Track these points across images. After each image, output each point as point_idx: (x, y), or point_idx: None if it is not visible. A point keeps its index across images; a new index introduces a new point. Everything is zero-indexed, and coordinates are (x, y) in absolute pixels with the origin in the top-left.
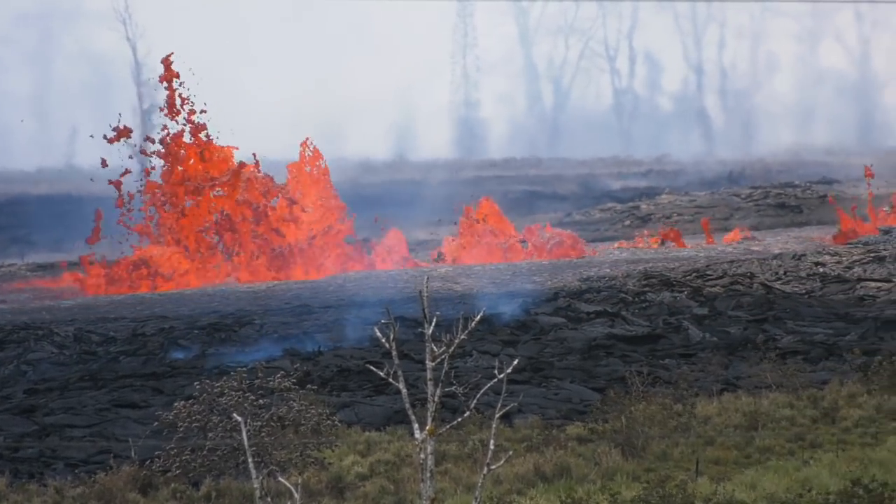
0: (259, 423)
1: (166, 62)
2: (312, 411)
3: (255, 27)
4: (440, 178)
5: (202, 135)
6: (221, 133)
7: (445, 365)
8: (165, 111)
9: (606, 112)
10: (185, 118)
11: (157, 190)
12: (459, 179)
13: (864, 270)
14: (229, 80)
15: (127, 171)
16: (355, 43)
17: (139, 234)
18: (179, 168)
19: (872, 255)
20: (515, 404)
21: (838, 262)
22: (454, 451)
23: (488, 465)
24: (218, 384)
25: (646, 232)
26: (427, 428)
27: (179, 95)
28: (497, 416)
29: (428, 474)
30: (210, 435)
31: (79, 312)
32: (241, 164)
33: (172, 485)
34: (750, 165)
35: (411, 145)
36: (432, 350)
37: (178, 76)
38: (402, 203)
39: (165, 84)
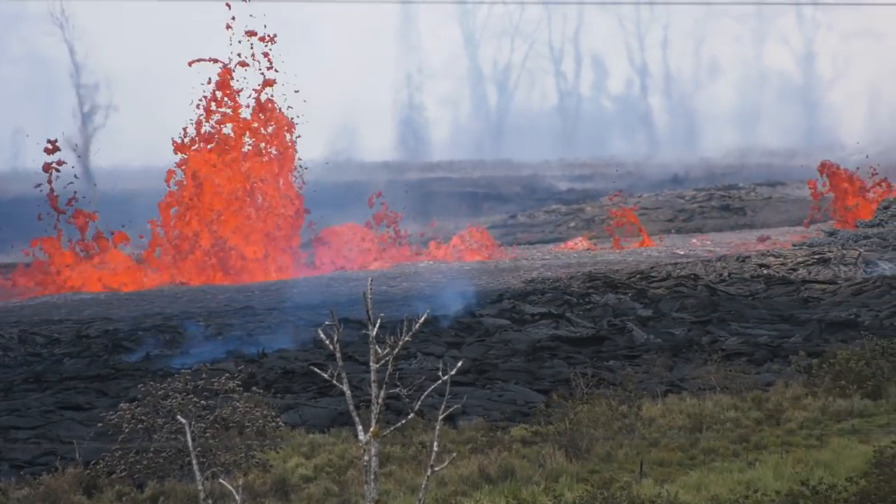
0: (203, 425)
1: None
2: (257, 413)
3: (198, 29)
4: (384, 180)
5: None
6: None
7: (390, 367)
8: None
9: (551, 114)
10: None
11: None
12: (403, 181)
13: (809, 272)
14: (173, 82)
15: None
16: (299, 45)
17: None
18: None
19: (817, 256)
20: (459, 406)
21: (783, 264)
22: (398, 452)
23: (432, 466)
24: (162, 386)
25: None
26: (371, 430)
27: None
28: (441, 417)
29: (372, 476)
30: (155, 437)
31: (23, 314)
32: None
33: (117, 486)
34: (694, 167)
35: (354, 147)
36: (376, 352)
37: None
38: (344, 205)
39: None
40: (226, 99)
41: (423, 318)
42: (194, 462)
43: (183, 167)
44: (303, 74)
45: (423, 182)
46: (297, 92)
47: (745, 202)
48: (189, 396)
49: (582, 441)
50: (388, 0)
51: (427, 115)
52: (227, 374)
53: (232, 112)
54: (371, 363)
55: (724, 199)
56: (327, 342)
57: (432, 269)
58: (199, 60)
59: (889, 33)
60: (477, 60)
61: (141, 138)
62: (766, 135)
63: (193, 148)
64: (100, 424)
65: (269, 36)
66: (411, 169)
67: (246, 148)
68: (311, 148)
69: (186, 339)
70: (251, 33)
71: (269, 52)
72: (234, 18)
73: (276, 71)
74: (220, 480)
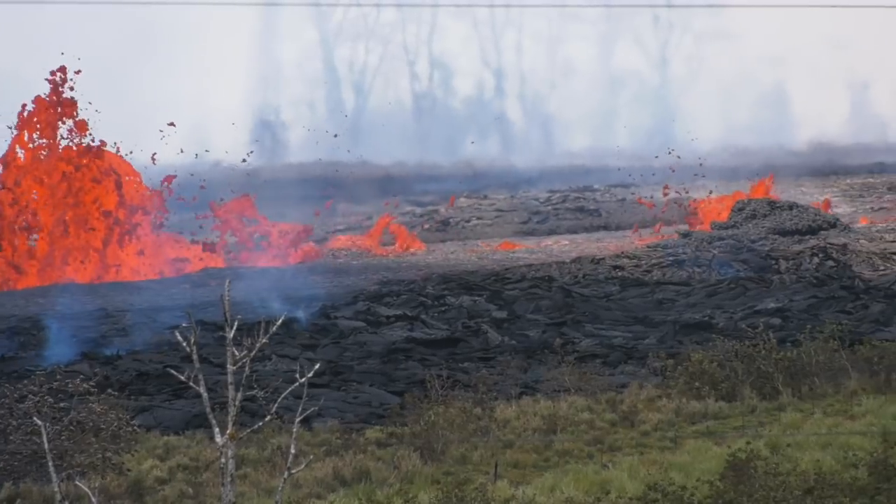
0: (59, 427)
1: None
2: (112, 415)
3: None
4: (239, 182)
5: None
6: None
7: (246, 369)
8: None
9: (407, 116)
10: None
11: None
12: (259, 183)
13: (664, 274)
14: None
15: None
16: (154, 48)
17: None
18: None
19: (671, 258)
20: (315, 408)
21: (637, 266)
22: (254, 455)
23: (288, 469)
24: (17, 388)
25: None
26: (228, 432)
27: None
28: (297, 420)
29: (228, 478)
30: (10, 438)
31: None
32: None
33: None
34: (549, 169)
35: (210, 150)
36: (233, 354)
37: None
38: (196, 207)
39: None
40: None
41: (280, 321)
42: (50, 464)
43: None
44: (161, 77)
45: (277, 184)
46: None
47: (599, 204)
48: (44, 398)
49: (437, 443)
50: (245, 3)
51: (283, 117)
52: (82, 377)
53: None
54: (228, 365)
55: (578, 200)
56: (184, 344)
57: (285, 273)
58: None
59: (742, 34)
60: (332, 62)
61: None
62: (619, 136)
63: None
64: None
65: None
66: (266, 171)
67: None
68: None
69: (41, 340)
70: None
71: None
72: None
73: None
74: (76, 483)
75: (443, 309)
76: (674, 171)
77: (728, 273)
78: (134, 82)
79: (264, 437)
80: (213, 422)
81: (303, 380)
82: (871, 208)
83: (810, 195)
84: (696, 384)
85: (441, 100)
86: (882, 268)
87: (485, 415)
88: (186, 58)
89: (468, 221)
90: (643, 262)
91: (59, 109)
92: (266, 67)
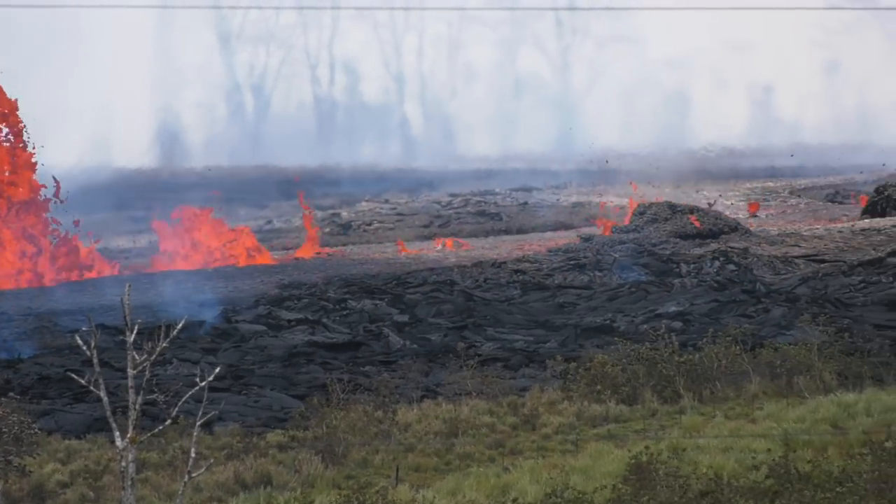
0: None
1: None
2: (13, 419)
3: None
4: (139, 185)
5: None
6: None
7: (147, 373)
8: None
9: (308, 120)
10: None
11: None
12: (159, 187)
13: (565, 278)
14: None
15: None
16: (51, 51)
17: None
18: None
19: (573, 262)
20: (216, 412)
21: (538, 270)
22: (155, 458)
23: (189, 472)
24: None
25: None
26: (128, 436)
27: None
28: (198, 424)
29: (129, 482)
30: None
31: None
32: None
33: None
34: (450, 172)
35: (110, 153)
36: (133, 358)
37: None
38: (101, 210)
39: None
40: None
41: (180, 325)
42: None
43: None
44: (58, 80)
45: (178, 188)
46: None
47: (500, 207)
48: None
49: (338, 446)
50: (144, 6)
51: (183, 121)
52: None
53: None
54: (128, 369)
55: (480, 204)
56: (84, 348)
57: (193, 276)
58: None
59: (643, 38)
60: (233, 66)
61: None
62: (521, 140)
63: None
64: None
65: None
66: (166, 175)
67: None
68: (64, 155)
69: None
70: None
71: None
72: None
73: None
74: None
75: (344, 313)
76: (576, 174)
77: (629, 277)
78: (30, 85)
79: (166, 441)
80: (114, 425)
81: (203, 383)
82: (772, 214)
83: (713, 199)
84: (598, 387)
85: (343, 103)
86: (783, 271)
87: (386, 418)
88: (83, 61)
89: (369, 225)
90: (544, 265)
91: None
92: (166, 71)
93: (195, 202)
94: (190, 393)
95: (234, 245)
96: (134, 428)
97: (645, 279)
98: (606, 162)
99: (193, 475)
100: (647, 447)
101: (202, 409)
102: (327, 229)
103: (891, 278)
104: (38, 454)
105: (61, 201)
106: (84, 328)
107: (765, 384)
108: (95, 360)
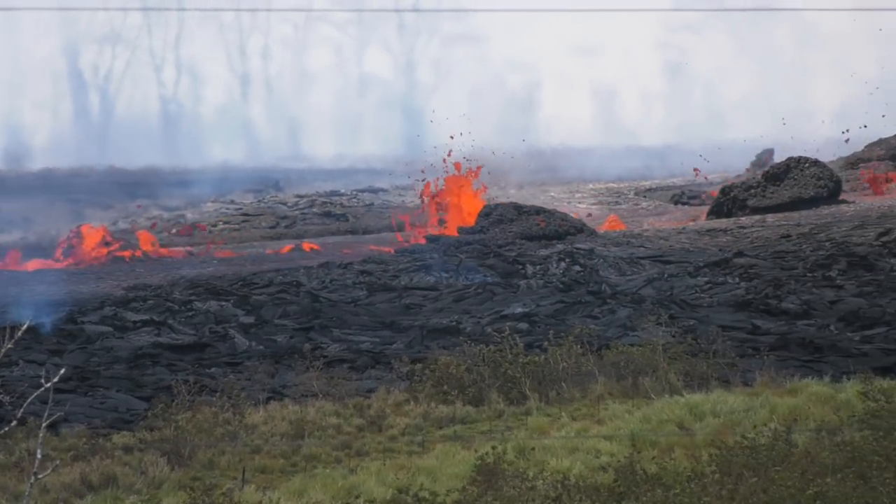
0: None
1: None
2: None
3: None
4: None
5: None
6: None
7: None
8: None
9: (154, 121)
10: None
11: None
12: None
13: (411, 279)
14: None
15: None
16: None
17: None
18: None
19: (419, 263)
20: (62, 413)
21: (385, 271)
22: (1, 459)
23: (35, 473)
24: None
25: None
26: None
27: None
28: (44, 425)
29: None
30: None
31: None
32: None
33: None
34: (295, 174)
35: None
36: None
37: None
38: None
39: None
40: None
41: (25, 326)
42: None
43: None
44: None
45: (24, 190)
46: None
47: (346, 208)
48: None
49: (184, 448)
50: None
51: (26, 122)
52: None
53: None
54: None
55: (325, 205)
56: None
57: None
58: None
59: (489, 39)
60: (77, 66)
61: None
62: (366, 141)
63: None
64: None
65: None
66: (9, 177)
67: None
68: None
69: None
70: None
71: None
72: None
73: None
74: None
75: (190, 314)
76: (423, 172)
77: (475, 278)
78: None
79: (13, 443)
80: None
81: (48, 385)
82: (622, 215)
83: (558, 200)
84: (444, 388)
85: (189, 104)
86: (629, 273)
87: (233, 420)
88: None
89: (214, 226)
90: (391, 266)
91: None
92: (9, 72)
93: (39, 205)
94: (35, 394)
95: (81, 244)
96: None
97: (491, 280)
98: (447, 159)
99: (40, 476)
100: (493, 448)
101: (48, 410)
102: (173, 230)
103: (737, 279)
104: None
105: None
106: None
107: (611, 385)
108: None
